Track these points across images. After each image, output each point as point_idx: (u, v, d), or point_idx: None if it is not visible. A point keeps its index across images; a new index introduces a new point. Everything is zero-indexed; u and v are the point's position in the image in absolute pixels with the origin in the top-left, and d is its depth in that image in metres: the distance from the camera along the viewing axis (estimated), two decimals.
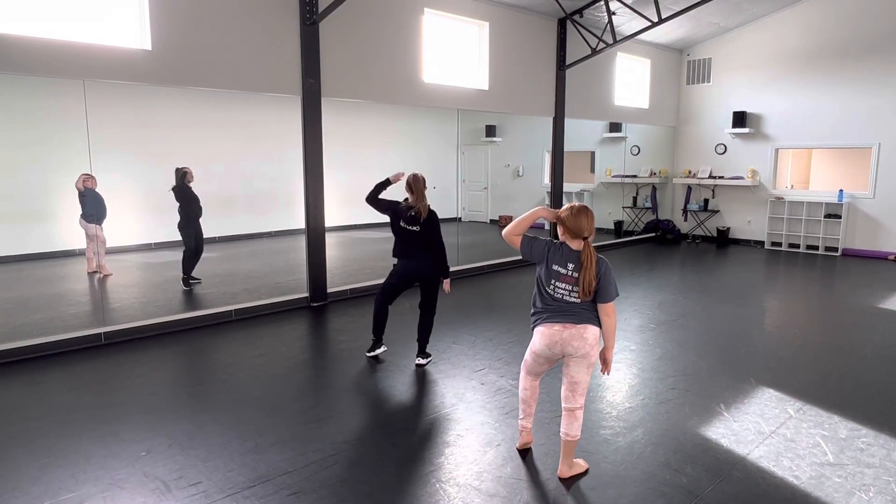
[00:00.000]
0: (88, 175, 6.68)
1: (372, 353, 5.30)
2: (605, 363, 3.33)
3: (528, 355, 3.45)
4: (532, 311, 3.34)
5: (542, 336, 3.24)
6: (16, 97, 7.25)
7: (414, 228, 4.92)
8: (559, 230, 3.22)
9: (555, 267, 3.18)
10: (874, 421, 4.08)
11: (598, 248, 11.63)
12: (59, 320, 6.42)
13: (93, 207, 7.00)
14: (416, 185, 4.91)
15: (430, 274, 5.01)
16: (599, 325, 3.23)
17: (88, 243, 7.23)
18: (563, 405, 3.34)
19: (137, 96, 8.13)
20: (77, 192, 6.94)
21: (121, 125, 8.22)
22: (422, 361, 5.13)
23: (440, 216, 5.07)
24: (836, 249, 11.06)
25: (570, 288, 3.15)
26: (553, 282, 3.18)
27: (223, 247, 7.73)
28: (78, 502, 3.15)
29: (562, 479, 3.35)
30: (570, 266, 3.15)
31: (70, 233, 7.64)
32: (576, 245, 3.17)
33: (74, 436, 3.88)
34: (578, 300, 3.16)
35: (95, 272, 7.49)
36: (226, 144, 9.50)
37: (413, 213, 4.91)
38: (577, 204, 3.21)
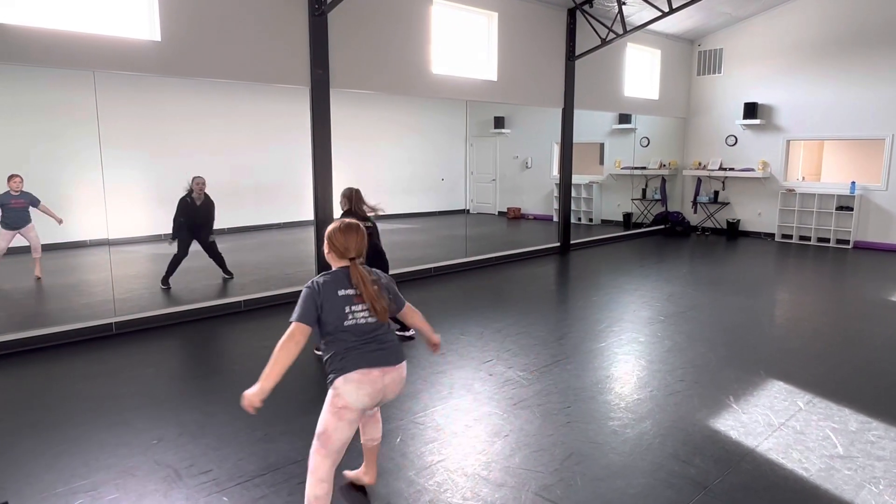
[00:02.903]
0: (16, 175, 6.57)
1: None
2: (436, 346, 3.05)
3: (331, 422, 2.67)
4: (332, 356, 2.68)
5: (359, 386, 2.64)
6: (26, 89, 7.29)
7: (368, 224, 5.32)
8: (325, 249, 2.80)
9: (340, 292, 2.67)
10: (885, 414, 4.06)
11: (607, 241, 11.64)
12: (70, 310, 6.48)
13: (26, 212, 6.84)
14: (355, 196, 5.28)
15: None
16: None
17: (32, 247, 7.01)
18: (364, 434, 3.12)
19: (146, 87, 8.17)
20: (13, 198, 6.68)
21: (130, 116, 8.26)
22: (408, 333, 5.56)
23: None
24: (847, 242, 10.97)
25: (367, 307, 2.68)
26: (347, 308, 2.66)
27: (232, 238, 7.77)
28: (91, 489, 3.19)
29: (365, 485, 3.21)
30: (353, 288, 2.69)
31: (82, 223, 7.72)
32: (343, 266, 2.74)
33: (87, 424, 3.93)
34: (378, 320, 2.71)
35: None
36: (235, 135, 9.53)
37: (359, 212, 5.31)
38: (346, 220, 2.81)
